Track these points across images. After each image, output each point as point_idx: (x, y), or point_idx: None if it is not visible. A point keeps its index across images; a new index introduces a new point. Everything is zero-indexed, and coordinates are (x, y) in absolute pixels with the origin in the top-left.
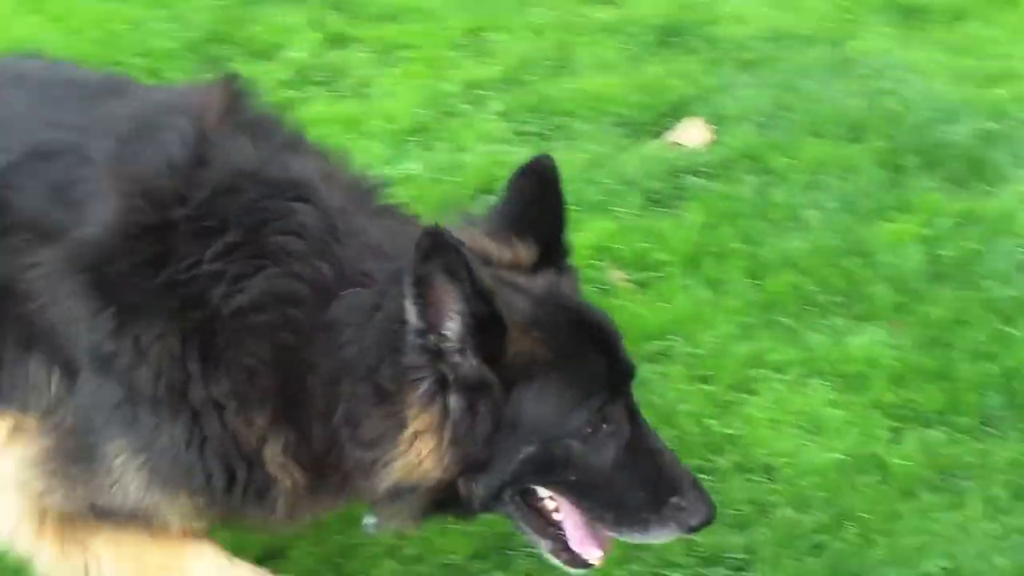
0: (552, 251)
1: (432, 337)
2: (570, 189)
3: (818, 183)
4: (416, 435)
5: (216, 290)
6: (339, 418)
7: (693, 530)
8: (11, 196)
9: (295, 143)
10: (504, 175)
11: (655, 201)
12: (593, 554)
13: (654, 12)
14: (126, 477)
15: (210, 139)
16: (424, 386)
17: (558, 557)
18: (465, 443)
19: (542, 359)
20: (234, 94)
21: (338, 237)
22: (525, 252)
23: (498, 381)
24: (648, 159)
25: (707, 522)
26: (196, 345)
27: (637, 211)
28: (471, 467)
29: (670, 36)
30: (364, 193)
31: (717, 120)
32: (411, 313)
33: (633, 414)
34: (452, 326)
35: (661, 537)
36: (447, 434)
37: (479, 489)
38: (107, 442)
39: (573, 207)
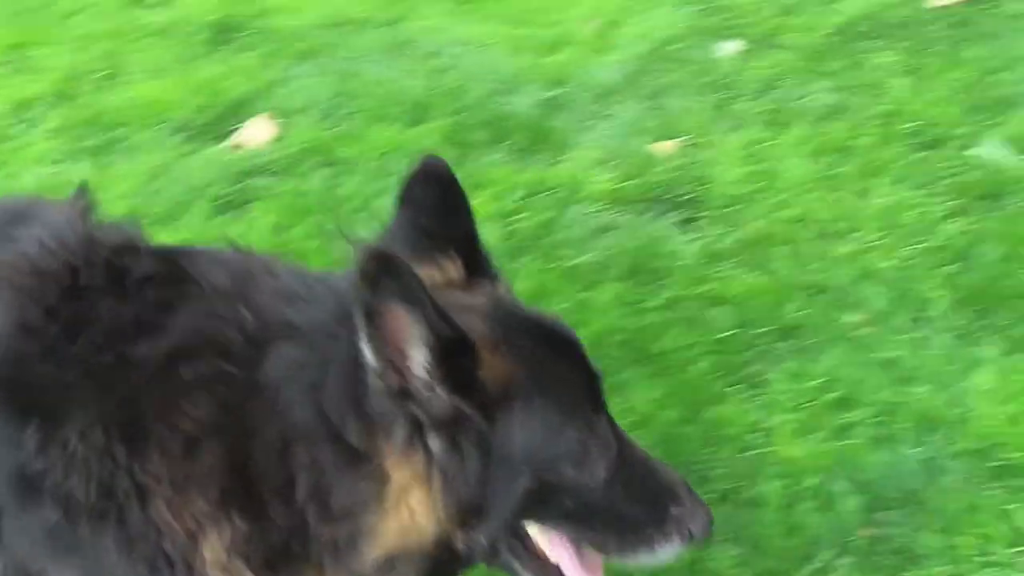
0: (474, 260)
1: (395, 376)
2: (132, 204)
3: (387, 169)
4: (402, 490)
5: (138, 341)
6: (302, 493)
7: (695, 539)
8: None
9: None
10: (65, 195)
11: (224, 207)
12: None
13: (205, 10)
14: None
15: (90, 222)
16: (399, 432)
17: None
18: (457, 487)
19: (517, 379)
20: (88, 201)
21: (252, 280)
22: (453, 268)
23: (477, 411)
24: (213, 163)
25: (709, 529)
26: (119, 424)
27: (206, 219)
28: (467, 515)
29: (224, 33)
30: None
31: (281, 115)
32: (367, 353)
33: (613, 423)
34: (416, 357)
35: (667, 553)
36: (436, 481)
37: (480, 538)
38: None
39: (140, 221)
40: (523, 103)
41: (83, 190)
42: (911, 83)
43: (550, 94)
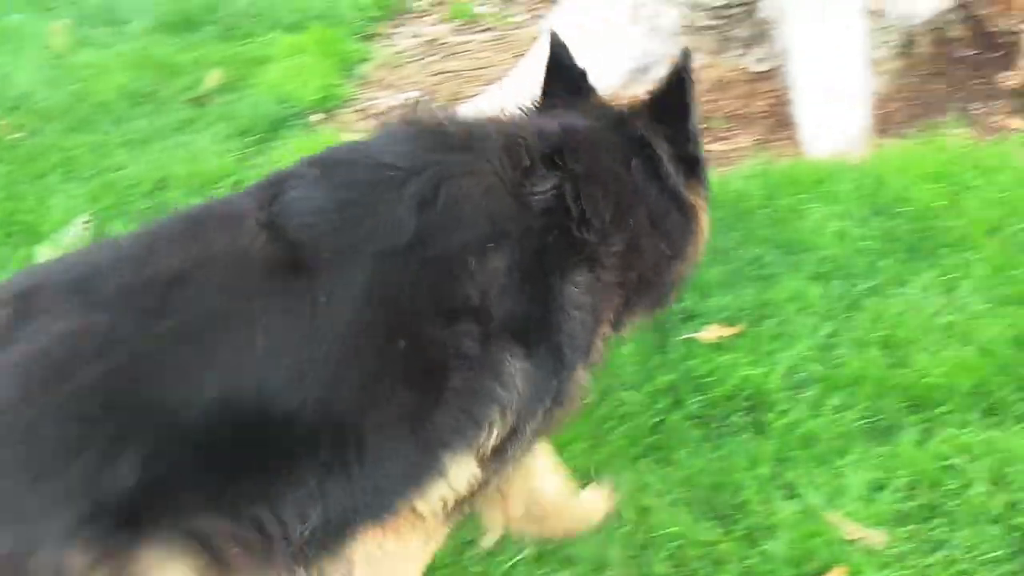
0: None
1: (693, 147)
2: None
3: None
4: (703, 221)
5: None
6: (662, 247)
7: None
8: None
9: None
10: None
11: None
12: None
13: None
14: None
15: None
16: (704, 187)
17: None
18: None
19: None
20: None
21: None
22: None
23: (702, 161)
24: None
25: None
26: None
27: None
28: None
29: None
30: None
31: None
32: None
33: None
34: (697, 130)
35: None
36: (708, 211)
37: None
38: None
39: None
40: None
41: (417, 104)
42: None
43: None
